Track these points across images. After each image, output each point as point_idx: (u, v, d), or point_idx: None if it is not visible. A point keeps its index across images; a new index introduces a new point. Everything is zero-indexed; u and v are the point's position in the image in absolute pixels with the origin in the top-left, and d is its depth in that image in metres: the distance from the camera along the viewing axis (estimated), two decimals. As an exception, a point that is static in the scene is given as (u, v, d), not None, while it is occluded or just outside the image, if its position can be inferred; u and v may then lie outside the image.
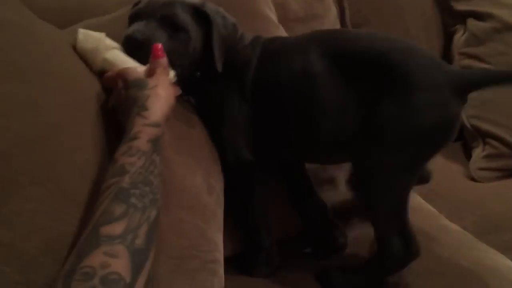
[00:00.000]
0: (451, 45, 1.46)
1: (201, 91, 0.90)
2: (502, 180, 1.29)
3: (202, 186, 0.75)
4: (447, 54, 1.48)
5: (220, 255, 0.74)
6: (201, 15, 0.84)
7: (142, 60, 0.73)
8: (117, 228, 0.48)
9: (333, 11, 1.45)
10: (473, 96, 1.34)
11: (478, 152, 1.33)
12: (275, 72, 0.87)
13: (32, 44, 0.64)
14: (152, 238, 0.51)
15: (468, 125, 1.36)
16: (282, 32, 1.17)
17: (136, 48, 0.75)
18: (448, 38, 1.49)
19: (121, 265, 0.45)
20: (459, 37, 1.44)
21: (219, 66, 0.85)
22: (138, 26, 0.78)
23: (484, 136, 1.33)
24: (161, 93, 0.65)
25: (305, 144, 0.89)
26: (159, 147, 0.60)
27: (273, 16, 1.19)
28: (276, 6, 1.24)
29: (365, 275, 0.86)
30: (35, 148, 0.55)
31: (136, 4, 0.89)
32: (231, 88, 0.89)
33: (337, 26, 1.45)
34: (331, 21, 1.43)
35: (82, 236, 0.48)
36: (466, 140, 1.39)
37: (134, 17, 0.83)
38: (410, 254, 0.82)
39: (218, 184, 0.81)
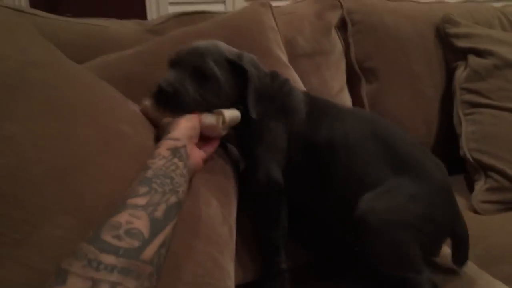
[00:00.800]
0: (453, 81, 1.50)
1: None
2: (504, 213, 1.31)
3: (215, 217, 0.78)
4: (449, 89, 1.52)
5: (232, 284, 0.76)
6: (236, 67, 0.90)
7: (173, 110, 0.81)
8: (140, 201, 0.58)
9: (339, 47, 1.50)
10: (475, 129, 1.40)
11: (480, 185, 1.35)
12: (323, 130, 0.95)
13: (63, 82, 0.69)
14: (170, 216, 0.60)
15: (470, 159, 1.39)
16: (292, 73, 1.23)
17: (166, 99, 0.82)
18: (450, 73, 1.53)
19: (142, 225, 0.55)
20: (461, 73, 1.48)
21: (253, 114, 0.90)
22: (170, 76, 0.84)
23: (486, 169, 1.36)
24: (181, 119, 0.77)
25: (318, 202, 0.96)
26: (181, 155, 0.69)
27: (283, 56, 1.24)
28: (284, 42, 1.30)
29: None
30: (65, 179, 0.59)
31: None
32: (276, 122, 0.95)
33: (343, 61, 1.51)
34: (337, 56, 1.49)
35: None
36: (469, 173, 1.42)
37: (171, 65, 0.89)
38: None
39: (230, 216, 0.84)
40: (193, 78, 0.85)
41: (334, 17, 1.49)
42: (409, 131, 1.48)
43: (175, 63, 0.88)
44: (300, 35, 1.41)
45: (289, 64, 1.25)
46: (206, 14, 1.35)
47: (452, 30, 1.53)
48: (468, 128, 1.42)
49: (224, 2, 2.80)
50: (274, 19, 1.29)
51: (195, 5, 2.42)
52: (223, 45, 0.93)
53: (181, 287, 0.66)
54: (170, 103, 0.82)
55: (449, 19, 1.54)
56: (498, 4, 1.87)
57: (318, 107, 0.99)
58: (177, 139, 0.72)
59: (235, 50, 0.94)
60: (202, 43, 0.91)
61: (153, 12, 2.64)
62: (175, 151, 0.69)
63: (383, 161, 0.91)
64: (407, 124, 1.49)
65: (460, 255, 0.96)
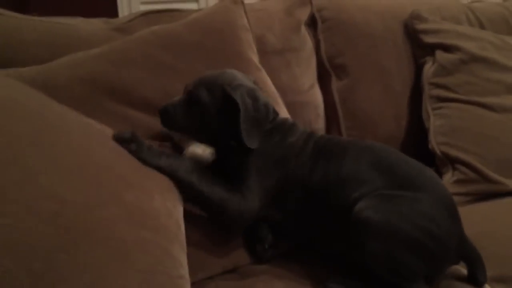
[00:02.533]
0: (421, 76, 1.52)
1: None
2: (472, 204, 1.33)
3: (160, 209, 0.79)
4: (417, 84, 1.54)
5: (185, 273, 0.77)
6: (228, 97, 0.95)
7: (168, 127, 1.01)
8: None
9: (309, 43, 1.52)
10: (443, 123, 1.43)
11: (448, 178, 1.37)
12: (324, 169, 0.97)
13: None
14: None
15: (438, 152, 1.41)
16: (263, 75, 1.24)
17: (161, 118, 1.00)
18: (418, 69, 1.56)
19: None
20: (429, 68, 1.50)
21: (248, 143, 0.95)
22: (173, 100, 1.00)
23: (453, 162, 1.38)
24: None
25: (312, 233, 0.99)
26: None
27: (255, 57, 1.25)
28: (254, 39, 1.31)
29: None
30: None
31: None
32: (274, 158, 0.99)
33: (313, 58, 1.53)
34: (307, 53, 1.50)
35: None
36: (437, 166, 1.44)
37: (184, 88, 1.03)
38: None
39: (176, 209, 0.85)
40: (185, 103, 0.98)
41: (303, 14, 1.51)
42: (379, 126, 1.51)
43: (186, 87, 1.02)
44: (270, 32, 1.42)
45: (260, 66, 1.26)
46: (174, 12, 1.36)
47: (420, 26, 1.55)
48: (436, 122, 1.45)
49: (197, 0, 2.80)
50: (247, 17, 1.30)
51: (167, 4, 2.40)
52: (228, 74, 1.00)
53: (134, 274, 0.67)
54: (164, 121, 0.99)
55: (417, 15, 1.57)
56: (465, 1, 1.90)
57: (322, 147, 1.01)
58: None
59: (238, 80, 1.00)
60: (212, 72, 1.02)
61: (124, 11, 2.64)
62: None
63: (381, 184, 0.92)
64: (377, 119, 1.51)
65: (478, 276, 0.94)
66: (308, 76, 1.48)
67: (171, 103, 0.99)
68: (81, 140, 0.76)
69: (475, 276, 0.94)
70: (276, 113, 1.05)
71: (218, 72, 1.02)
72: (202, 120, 0.98)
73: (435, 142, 1.42)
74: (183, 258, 0.79)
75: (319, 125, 1.49)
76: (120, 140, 0.86)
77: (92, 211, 0.67)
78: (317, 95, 1.51)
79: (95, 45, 1.13)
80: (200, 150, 0.97)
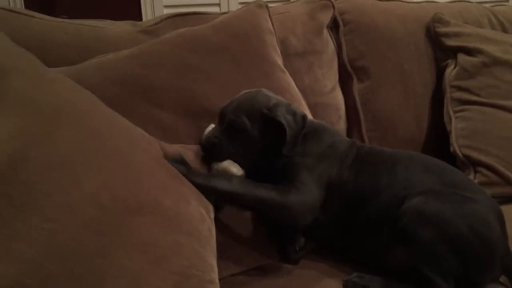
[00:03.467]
0: (443, 79, 1.52)
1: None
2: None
3: (195, 214, 0.82)
4: (439, 87, 1.55)
5: (215, 277, 0.80)
6: (270, 119, 0.97)
7: (215, 159, 0.98)
8: None
9: (331, 46, 1.53)
10: (464, 126, 1.43)
11: (469, 181, 1.38)
12: (372, 174, 1.00)
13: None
14: None
15: (460, 155, 1.41)
16: (287, 77, 1.26)
17: (206, 151, 0.99)
18: (440, 72, 1.56)
19: None
20: (450, 71, 1.50)
21: (288, 152, 0.98)
22: (210, 131, 1.01)
23: (475, 165, 1.39)
24: None
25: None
26: None
27: (279, 60, 1.27)
28: (277, 42, 1.32)
29: None
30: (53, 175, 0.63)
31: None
32: (317, 155, 1.02)
33: (335, 61, 1.54)
34: (329, 56, 1.51)
35: None
36: (459, 169, 1.43)
37: (218, 118, 1.02)
38: None
39: (209, 215, 0.87)
40: (228, 131, 0.98)
41: (326, 17, 1.52)
42: (400, 128, 1.52)
43: (219, 116, 1.01)
44: (292, 35, 1.44)
45: (284, 69, 1.28)
46: (200, 15, 1.37)
47: (442, 29, 1.55)
48: (457, 125, 1.45)
49: (218, 4, 2.82)
50: (271, 20, 1.32)
51: (190, 7, 2.44)
52: (261, 97, 1.01)
53: (170, 276, 0.69)
54: (209, 155, 0.98)
55: (439, 19, 1.57)
56: (488, 4, 1.89)
57: (366, 154, 1.06)
58: None
59: (272, 99, 1.01)
60: (243, 96, 1.02)
61: (148, 15, 2.67)
62: None
63: (436, 183, 0.96)
64: (398, 121, 1.52)
65: None
66: (330, 78, 1.50)
67: (212, 135, 0.98)
68: (126, 146, 0.78)
69: None
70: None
71: (250, 94, 1.03)
72: (248, 145, 0.99)
73: (456, 145, 1.42)
74: (214, 262, 0.81)
75: (341, 127, 1.50)
76: (171, 161, 0.88)
77: (130, 216, 0.69)
78: (339, 97, 1.52)
79: (123, 47, 1.15)
80: (235, 168, 0.97)
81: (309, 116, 1.24)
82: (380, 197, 0.97)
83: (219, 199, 0.93)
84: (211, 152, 0.98)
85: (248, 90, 1.05)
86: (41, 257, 0.57)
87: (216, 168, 0.97)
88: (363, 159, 1.03)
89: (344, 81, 1.55)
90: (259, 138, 0.99)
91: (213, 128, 1.02)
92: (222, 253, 0.93)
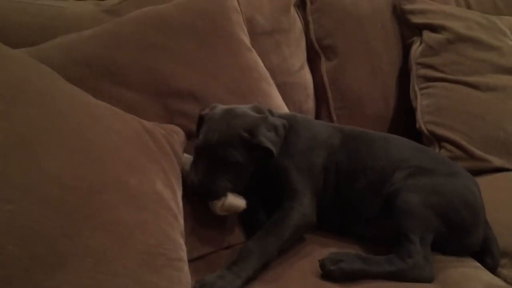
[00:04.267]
0: (409, 56, 1.55)
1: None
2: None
3: (161, 194, 0.81)
4: (405, 64, 1.57)
5: (184, 254, 0.80)
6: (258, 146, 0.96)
7: (213, 198, 0.96)
8: None
9: (298, 25, 1.53)
10: (430, 102, 1.45)
11: (434, 156, 1.41)
12: (356, 153, 1.07)
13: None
14: None
15: (425, 131, 1.44)
16: (254, 56, 1.25)
17: (202, 195, 0.96)
18: (406, 49, 1.58)
19: None
20: (416, 48, 1.53)
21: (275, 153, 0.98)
22: (199, 171, 0.96)
23: (440, 140, 1.42)
24: None
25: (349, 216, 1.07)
26: None
27: (246, 39, 1.26)
28: (244, 20, 1.31)
29: (374, 265, 0.92)
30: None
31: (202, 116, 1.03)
32: (307, 154, 1.05)
33: (303, 39, 1.54)
34: (296, 34, 1.51)
35: None
36: (424, 144, 1.46)
37: (198, 153, 0.98)
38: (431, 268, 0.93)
39: (176, 194, 0.87)
40: (219, 168, 0.95)
41: (292, -5, 1.51)
42: (368, 106, 1.53)
43: (201, 151, 0.97)
44: (259, 13, 1.43)
45: (251, 47, 1.27)
46: (164, -6, 1.34)
47: (408, 6, 1.57)
48: (423, 102, 1.47)
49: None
50: (237, -2, 1.30)
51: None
52: (238, 119, 0.98)
53: (137, 255, 0.69)
54: (206, 196, 0.96)
55: (405, -4, 1.58)
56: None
57: (350, 135, 1.11)
58: None
59: (248, 118, 0.99)
60: (218, 124, 0.97)
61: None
62: None
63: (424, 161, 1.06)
64: (366, 99, 1.53)
65: (492, 259, 1.03)
66: (297, 57, 1.50)
67: (204, 177, 0.95)
68: (88, 123, 0.77)
69: (490, 259, 1.03)
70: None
71: (224, 119, 0.98)
72: (241, 172, 0.98)
73: (422, 121, 1.45)
74: (181, 241, 0.81)
75: (309, 106, 1.51)
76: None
77: (95, 195, 0.68)
78: (307, 76, 1.52)
79: (86, 27, 1.13)
80: (239, 201, 0.97)
81: (278, 96, 1.25)
82: (373, 171, 1.04)
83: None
84: (208, 195, 0.96)
85: (216, 111, 1.00)
86: (1, 239, 0.56)
87: (220, 207, 0.96)
88: (351, 140, 1.09)
89: (312, 60, 1.56)
90: (249, 162, 0.98)
91: (196, 165, 0.97)
92: (191, 234, 0.93)
